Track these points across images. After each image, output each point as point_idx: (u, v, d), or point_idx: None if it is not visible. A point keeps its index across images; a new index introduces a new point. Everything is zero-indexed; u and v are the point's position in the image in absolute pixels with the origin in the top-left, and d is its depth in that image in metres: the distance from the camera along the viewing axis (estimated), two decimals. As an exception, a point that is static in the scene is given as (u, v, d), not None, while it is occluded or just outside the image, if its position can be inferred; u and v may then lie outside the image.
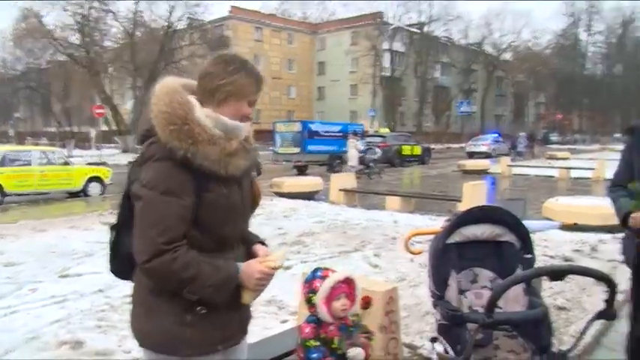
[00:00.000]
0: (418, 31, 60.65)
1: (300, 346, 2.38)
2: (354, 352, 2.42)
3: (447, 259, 2.74)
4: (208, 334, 1.79)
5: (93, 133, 42.11)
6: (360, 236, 8.66)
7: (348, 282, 2.44)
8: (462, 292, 2.81)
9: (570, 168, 22.23)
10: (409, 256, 6.71)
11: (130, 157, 20.88)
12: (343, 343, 2.39)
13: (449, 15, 62.77)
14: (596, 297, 5.02)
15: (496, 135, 40.51)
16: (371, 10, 59.13)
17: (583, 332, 2.32)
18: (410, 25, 61.00)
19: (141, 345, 1.84)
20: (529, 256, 2.79)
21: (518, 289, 2.75)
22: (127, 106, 52.90)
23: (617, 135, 62.00)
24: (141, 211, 1.70)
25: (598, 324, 4.37)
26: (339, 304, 2.39)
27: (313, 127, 24.84)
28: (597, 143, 61.26)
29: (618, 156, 3.10)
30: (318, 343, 2.37)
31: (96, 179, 15.85)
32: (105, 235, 6.94)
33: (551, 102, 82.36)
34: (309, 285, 2.46)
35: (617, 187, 3.00)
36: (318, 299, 2.38)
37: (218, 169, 1.73)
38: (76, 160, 20.15)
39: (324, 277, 2.44)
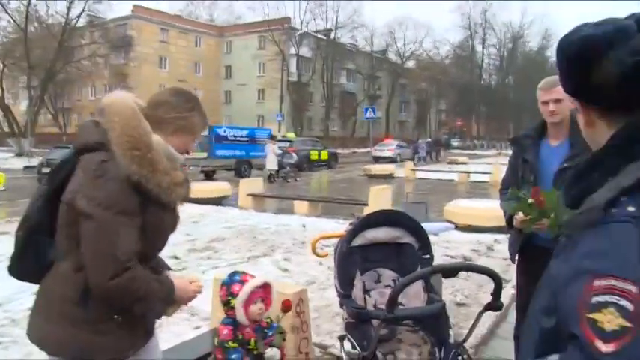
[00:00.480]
0: (325, 37, 61.68)
1: (219, 348, 2.48)
2: (272, 352, 2.58)
3: (352, 260, 2.92)
4: (121, 341, 1.84)
5: (-21, 135, 39.44)
6: (270, 241, 8.76)
7: (265, 287, 2.62)
8: (366, 291, 3.00)
9: (469, 172, 23.51)
10: (318, 260, 6.91)
11: (26, 162, 19.87)
12: (260, 344, 2.54)
13: (354, 22, 64.41)
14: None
15: (399, 141, 42.12)
16: (278, 15, 59.42)
17: (475, 323, 2.57)
18: (317, 32, 61.94)
19: (51, 354, 1.83)
20: (427, 256, 3.03)
21: (418, 287, 2.99)
22: (21, 106, 49.89)
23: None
24: (95, 230, 1.70)
25: (493, 317, 4.77)
26: (257, 307, 2.55)
27: (221, 131, 24.59)
28: (494, 149, 65.12)
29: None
30: (236, 344, 2.51)
31: (-13, 185, 14.85)
32: (2, 246, 6.57)
33: (451, 109, 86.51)
34: (228, 288, 2.58)
35: (505, 191, 3.33)
36: (238, 303, 2.50)
37: (164, 197, 1.83)
38: (-37, 165, 18.76)
39: (242, 282, 2.57)
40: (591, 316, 0.86)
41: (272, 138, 25.12)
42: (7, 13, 39.07)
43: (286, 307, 2.77)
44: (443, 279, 5.71)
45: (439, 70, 76.28)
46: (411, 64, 77.29)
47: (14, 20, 39.47)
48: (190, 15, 71.42)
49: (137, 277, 1.73)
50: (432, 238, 8.02)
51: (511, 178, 3.31)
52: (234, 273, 2.67)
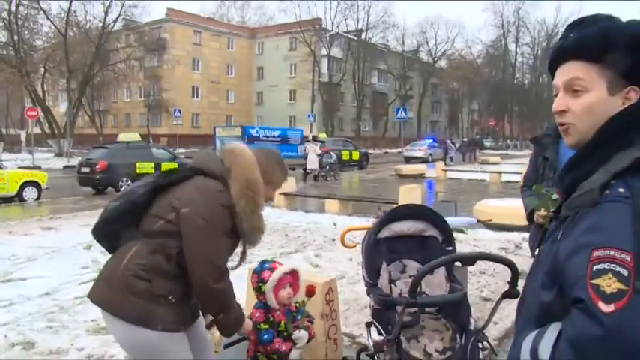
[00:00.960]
0: (356, 38, 61.74)
1: (252, 330, 2.66)
2: (299, 333, 2.78)
3: (379, 251, 3.12)
4: (174, 316, 2.22)
5: (23, 136, 40.57)
6: (301, 238, 8.99)
7: (293, 273, 2.83)
8: (392, 281, 3.19)
9: (501, 172, 23.33)
10: (348, 256, 7.12)
11: (65, 162, 20.49)
12: (289, 326, 2.76)
13: (386, 23, 64.26)
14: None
15: (432, 141, 41.89)
16: (309, 16, 59.70)
17: (493, 310, 2.73)
18: (348, 32, 62.02)
19: (113, 313, 2.19)
20: (450, 248, 3.20)
21: (441, 277, 3.16)
22: (60, 108, 51.24)
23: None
24: (205, 243, 2.15)
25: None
26: (285, 292, 2.77)
27: (253, 132, 25.03)
28: (527, 149, 64.15)
29: None
30: (267, 326, 2.73)
31: (32, 184, 15.37)
32: (46, 241, 6.98)
33: (483, 109, 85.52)
34: (259, 275, 2.80)
35: (527, 187, 3.48)
36: (268, 288, 2.72)
37: (246, 237, 2.34)
38: (7, 164, 19.45)
39: (272, 269, 2.79)
40: (594, 281, 1.02)
41: (313, 139, 26.34)
42: (48, 19, 40.34)
43: (310, 292, 2.96)
44: (469, 273, 5.87)
45: (471, 69, 75.52)
46: (442, 63, 76.75)
47: (55, 26, 40.67)
48: (222, 17, 72.33)
49: (231, 286, 2.25)
50: (461, 236, 8.16)
51: (532, 175, 3.46)
52: (264, 261, 2.88)
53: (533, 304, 1.25)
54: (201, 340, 2.57)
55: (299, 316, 2.87)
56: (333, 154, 25.50)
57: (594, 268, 1.03)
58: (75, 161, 26.18)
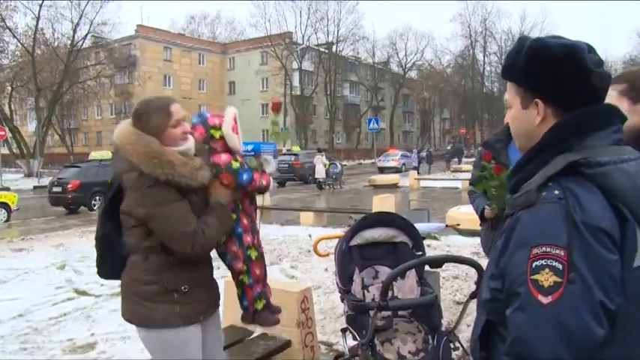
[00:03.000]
0: (326, 50, 62.12)
1: (223, 174, 2.45)
2: (267, 158, 2.76)
3: (351, 259, 3.19)
4: (193, 307, 2.33)
5: (-11, 156, 39.81)
6: (277, 250, 9.03)
7: (235, 120, 2.62)
8: (365, 287, 3.26)
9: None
10: (323, 267, 7.19)
11: (35, 182, 20.17)
12: (253, 159, 2.66)
13: (355, 35, 64.74)
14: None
15: (407, 151, 42.40)
16: (280, 31, 59.94)
17: (463, 310, 2.83)
18: (318, 45, 62.36)
19: (140, 326, 2.35)
20: (420, 253, 3.30)
21: (412, 282, 3.25)
22: (28, 127, 50.41)
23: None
24: (163, 223, 2.24)
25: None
26: (238, 137, 2.58)
27: (226, 146, 24.90)
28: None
29: None
30: (238, 164, 2.51)
31: (1, 205, 15.08)
32: (17, 262, 6.93)
33: (454, 117, 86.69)
34: (204, 124, 2.53)
35: (473, 190, 3.66)
36: (227, 128, 2.52)
37: (193, 182, 2.28)
38: (-26, 186, 19.09)
39: (215, 116, 2.60)
40: (533, 277, 1.15)
41: (319, 151, 27.46)
42: (15, 37, 39.72)
43: (276, 105, 2.85)
44: (442, 278, 5.98)
45: (441, 79, 76.63)
46: (413, 74, 77.65)
47: (22, 44, 40.09)
48: (193, 33, 72.18)
49: (204, 228, 2.28)
50: (435, 242, 8.30)
51: (477, 178, 3.59)
52: (200, 113, 2.63)
53: (485, 291, 1.37)
54: (215, 331, 2.64)
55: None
56: (338, 164, 27.23)
57: (533, 264, 1.15)
58: (45, 181, 25.79)
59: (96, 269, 2.53)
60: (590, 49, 1.32)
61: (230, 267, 2.63)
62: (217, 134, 2.52)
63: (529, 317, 1.14)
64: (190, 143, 2.38)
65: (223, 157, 2.49)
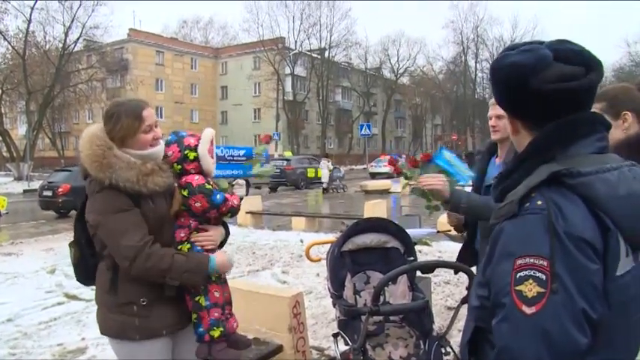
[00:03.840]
0: (319, 56, 62.24)
1: (198, 194, 2.38)
2: (239, 182, 2.79)
3: (343, 264, 3.20)
4: (153, 321, 2.25)
5: (-22, 159, 39.50)
6: (268, 256, 9.03)
7: (212, 142, 2.55)
8: (357, 292, 3.28)
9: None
10: (315, 272, 7.20)
11: (25, 185, 20.02)
12: (223, 182, 2.68)
13: (348, 41, 64.89)
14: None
15: (396, 157, 42.46)
16: (273, 36, 60.02)
17: (454, 315, 2.84)
18: (311, 51, 62.48)
19: (104, 334, 2.34)
20: (412, 258, 3.31)
21: (404, 287, 3.27)
22: (19, 130, 50.10)
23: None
24: (107, 232, 2.18)
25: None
26: (212, 161, 2.52)
27: (218, 151, 24.74)
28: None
29: None
30: (210, 187, 2.44)
31: (-11, 209, 14.97)
32: (6, 267, 6.90)
33: (446, 123, 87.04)
34: (180, 143, 2.46)
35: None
36: (204, 150, 2.44)
37: (142, 188, 2.18)
38: (-36, 189, 18.96)
39: (192, 136, 2.51)
40: (517, 288, 1.17)
41: (325, 156, 28.35)
42: (5, 40, 39.47)
43: (266, 138, 2.85)
44: (434, 284, 6.01)
45: (433, 85, 76.98)
46: (405, 80, 77.90)
47: (12, 47, 39.86)
48: (185, 37, 72.14)
49: (153, 253, 2.15)
50: (426, 248, 8.32)
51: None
52: (177, 131, 2.57)
53: (473, 298, 1.40)
54: (188, 346, 2.49)
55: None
56: (341, 169, 28.96)
57: (517, 275, 1.18)
58: (35, 185, 25.64)
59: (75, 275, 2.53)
60: (567, 56, 1.31)
61: (185, 288, 2.43)
62: (192, 155, 2.44)
63: (513, 327, 1.17)
64: (158, 148, 2.33)
65: (196, 178, 2.41)
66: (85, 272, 2.43)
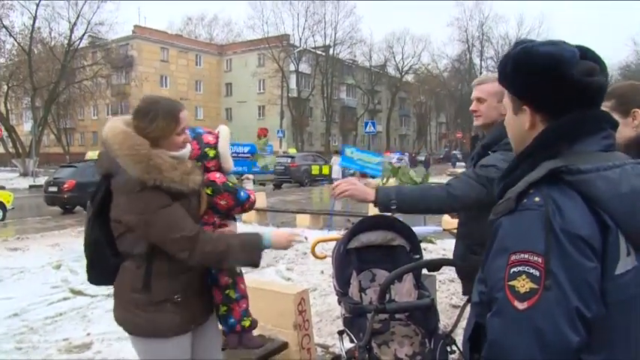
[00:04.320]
0: (323, 53, 62.18)
1: (224, 193, 2.45)
2: (249, 178, 2.73)
3: (348, 261, 3.20)
4: (184, 317, 2.27)
5: (-16, 155, 39.63)
6: (273, 252, 8.98)
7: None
8: (362, 289, 3.27)
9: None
10: (320, 269, 7.20)
11: (31, 181, 20.17)
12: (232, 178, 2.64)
13: (353, 38, 64.84)
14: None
15: (399, 154, 42.58)
16: (277, 33, 59.98)
17: (460, 314, 2.84)
18: (315, 48, 62.42)
19: (132, 334, 2.31)
20: (417, 256, 3.30)
21: (409, 285, 3.26)
22: (24, 126, 50.24)
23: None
24: (158, 229, 2.15)
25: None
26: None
27: (223, 148, 24.91)
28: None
29: None
30: (232, 184, 2.50)
31: (-5, 204, 15.06)
32: (12, 262, 6.92)
33: (451, 122, 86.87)
34: (200, 140, 2.50)
35: None
36: (225, 150, 2.50)
37: (183, 187, 2.18)
38: (-31, 184, 19.05)
39: (210, 133, 2.54)
40: (510, 283, 1.17)
41: (336, 153, 27.85)
42: (11, 36, 39.59)
43: (264, 130, 2.84)
44: (439, 281, 6.00)
45: (438, 83, 76.79)
46: (409, 77, 77.78)
47: (18, 43, 39.96)
48: (190, 34, 72.10)
49: (208, 239, 2.18)
50: (431, 246, 8.32)
51: None
52: (194, 128, 2.58)
53: (474, 295, 1.40)
54: (213, 336, 2.57)
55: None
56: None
57: (511, 271, 1.18)
58: (41, 181, 25.73)
59: (86, 275, 2.44)
60: (586, 55, 1.32)
61: (214, 281, 2.51)
62: (212, 153, 2.47)
63: (505, 322, 1.17)
64: (187, 150, 2.32)
65: (218, 176, 2.45)
66: (102, 273, 2.37)
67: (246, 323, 2.55)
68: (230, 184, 2.45)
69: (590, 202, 1.19)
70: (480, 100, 2.80)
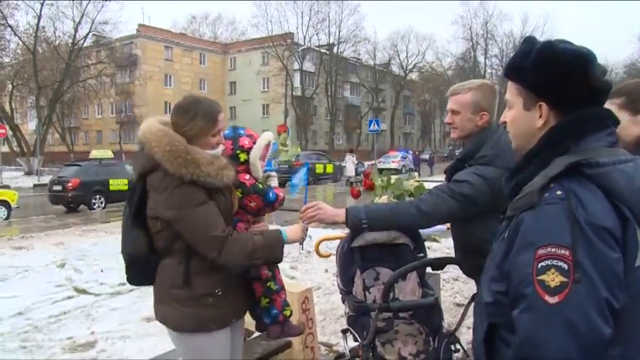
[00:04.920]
0: (328, 52, 62.13)
1: (253, 195, 2.48)
2: (272, 175, 2.71)
3: (352, 260, 3.18)
4: (225, 310, 2.33)
5: (-12, 153, 39.77)
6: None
7: (268, 146, 2.61)
8: (366, 288, 3.25)
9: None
10: (323, 267, 7.19)
11: (35, 180, 20.25)
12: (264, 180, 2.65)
13: (357, 37, 64.72)
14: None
15: (404, 152, 42.56)
16: (281, 31, 59.97)
17: (464, 312, 2.83)
18: (320, 46, 62.37)
19: (175, 330, 2.34)
20: (422, 254, 3.29)
21: (413, 284, 3.24)
22: (29, 125, 50.39)
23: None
24: (190, 225, 2.18)
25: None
26: (262, 165, 2.58)
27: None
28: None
29: None
30: (262, 186, 2.52)
31: (1, 203, 15.10)
32: (17, 260, 6.93)
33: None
34: (235, 141, 2.50)
35: None
36: (255, 158, 2.49)
37: (218, 182, 2.22)
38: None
39: (250, 136, 2.54)
40: (540, 278, 1.16)
41: (351, 151, 29.89)
42: (16, 35, 39.69)
43: (282, 129, 2.83)
44: (443, 280, 5.98)
45: (442, 81, 76.58)
46: (414, 76, 77.65)
47: (23, 42, 40.06)
48: (194, 33, 72.15)
49: (236, 239, 2.21)
50: (435, 244, 8.29)
51: None
52: (236, 127, 2.60)
53: (487, 295, 1.38)
54: (241, 334, 2.64)
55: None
56: (365, 163, 31.19)
57: (539, 265, 1.17)
58: (45, 179, 25.81)
59: (126, 277, 2.43)
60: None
61: (255, 276, 2.54)
62: (243, 157, 2.48)
63: (537, 317, 1.16)
64: (219, 151, 2.34)
65: (247, 178, 2.47)
66: (142, 273, 2.37)
67: (287, 312, 2.65)
68: (260, 186, 2.48)
69: (609, 194, 1.20)
70: (454, 112, 2.71)
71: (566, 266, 1.14)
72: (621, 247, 1.17)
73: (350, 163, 27.81)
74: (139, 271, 2.38)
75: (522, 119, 1.42)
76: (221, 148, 2.35)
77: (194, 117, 2.25)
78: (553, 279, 1.14)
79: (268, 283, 2.53)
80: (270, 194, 2.51)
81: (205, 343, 2.32)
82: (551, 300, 1.14)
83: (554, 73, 1.32)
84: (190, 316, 2.26)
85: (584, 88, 1.31)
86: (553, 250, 1.16)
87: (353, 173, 27.42)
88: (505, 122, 1.50)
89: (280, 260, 2.46)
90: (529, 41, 1.40)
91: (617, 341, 1.16)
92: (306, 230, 2.59)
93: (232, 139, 2.49)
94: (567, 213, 1.17)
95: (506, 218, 1.35)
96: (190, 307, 2.26)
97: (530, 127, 1.40)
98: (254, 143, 2.51)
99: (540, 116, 1.37)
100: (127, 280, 2.43)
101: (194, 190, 2.18)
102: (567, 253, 1.14)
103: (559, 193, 1.21)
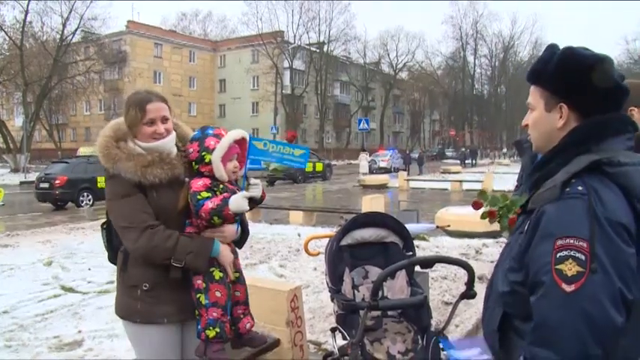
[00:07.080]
0: (318, 50, 62.12)
1: (190, 201, 2.33)
2: (255, 181, 2.47)
3: (341, 258, 3.19)
4: (151, 308, 2.30)
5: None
6: (266, 249, 9.00)
7: (241, 143, 2.46)
8: (355, 286, 3.26)
9: (462, 181, 23.80)
10: (312, 266, 7.18)
11: (22, 177, 20.11)
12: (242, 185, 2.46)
13: (347, 35, 64.85)
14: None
15: (392, 151, 42.68)
16: (272, 29, 59.85)
17: (452, 310, 2.83)
18: (310, 45, 62.35)
19: (115, 313, 2.43)
20: (410, 253, 3.30)
21: (402, 282, 3.25)
22: (15, 122, 49.91)
23: (505, 150, 67.67)
24: (114, 216, 2.32)
25: (478, 314, 5.02)
26: (232, 165, 2.41)
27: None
28: (487, 158, 65.64)
29: (505, 169, 3.75)
30: (209, 194, 2.33)
31: (-14, 200, 14.96)
32: (2, 259, 6.87)
33: (444, 119, 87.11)
34: (201, 143, 2.38)
35: (516, 189, 3.68)
36: (216, 157, 2.34)
37: (140, 179, 2.25)
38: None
39: (217, 136, 2.41)
40: (558, 267, 1.24)
41: (363, 150, 32.04)
42: (2, 30, 39.23)
43: (291, 136, 2.74)
44: (431, 279, 6.00)
45: (431, 80, 77.07)
46: (403, 75, 77.91)
47: (10, 37, 39.62)
48: (184, 30, 71.91)
49: (157, 233, 2.21)
50: (424, 243, 8.33)
51: (520, 176, 3.66)
52: (207, 127, 2.48)
53: (501, 285, 1.46)
54: (192, 337, 2.46)
55: (239, 183, 2.48)
56: (377, 160, 35.23)
57: (558, 255, 1.25)
58: (32, 177, 25.60)
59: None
60: None
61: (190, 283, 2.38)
62: (208, 158, 2.35)
63: (552, 304, 1.24)
64: (162, 142, 2.33)
65: (199, 184, 2.33)
66: (113, 253, 2.52)
67: (210, 333, 2.31)
68: (198, 195, 2.29)
69: (627, 192, 1.29)
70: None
71: (583, 257, 1.22)
72: (636, 243, 1.25)
73: (364, 161, 29.80)
74: (111, 252, 2.54)
75: (544, 120, 1.49)
76: (167, 139, 2.35)
77: (127, 108, 2.35)
78: (570, 268, 1.22)
79: (198, 295, 2.32)
80: (201, 203, 2.28)
81: (132, 333, 2.41)
82: (568, 288, 1.22)
83: (575, 76, 1.40)
84: (121, 303, 2.38)
85: (602, 91, 1.38)
86: (571, 241, 1.24)
87: (367, 170, 29.55)
88: (527, 125, 1.56)
89: (200, 271, 2.30)
90: (551, 48, 1.48)
91: (628, 332, 1.23)
92: (231, 256, 2.43)
93: (199, 140, 2.39)
94: (587, 208, 1.25)
95: (525, 212, 1.45)
96: (122, 294, 2.38)
97: (551, 127, 1.47)
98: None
99: (561, 117, 1.44)
100: (107, 257, 2.60)
101: (120, 183, 2.27)
102: (585, 245, 1.22)
103: (580, 188, 1.29)
